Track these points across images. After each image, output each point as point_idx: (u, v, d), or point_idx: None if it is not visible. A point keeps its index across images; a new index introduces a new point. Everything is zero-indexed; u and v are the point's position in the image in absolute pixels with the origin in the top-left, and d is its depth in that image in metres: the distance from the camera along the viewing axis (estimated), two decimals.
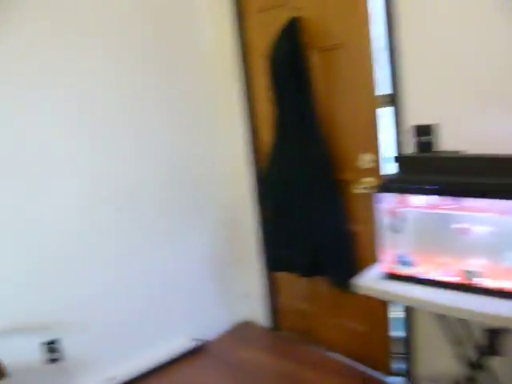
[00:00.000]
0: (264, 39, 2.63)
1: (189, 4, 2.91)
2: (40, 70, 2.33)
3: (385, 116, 2.26)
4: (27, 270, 2.36)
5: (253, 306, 3.34)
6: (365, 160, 2.35)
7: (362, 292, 1.85)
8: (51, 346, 2.44)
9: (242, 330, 3.29)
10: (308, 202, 2.50)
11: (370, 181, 2.35)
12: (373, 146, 2.32)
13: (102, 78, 2.55)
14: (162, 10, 2.78)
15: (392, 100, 2.17)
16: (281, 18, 2.46)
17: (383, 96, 2.25)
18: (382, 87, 2.23)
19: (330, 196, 2.45)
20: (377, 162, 2.33)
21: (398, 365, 2.55)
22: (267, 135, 2.79)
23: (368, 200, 2.33)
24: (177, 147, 2.91)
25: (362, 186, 2.37)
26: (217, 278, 3.20)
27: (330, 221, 2.47)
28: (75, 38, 2.43)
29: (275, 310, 3.22)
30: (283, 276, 3.03)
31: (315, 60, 2.44)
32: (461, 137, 1.96)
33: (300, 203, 2.54)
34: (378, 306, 2.50)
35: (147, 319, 2.84)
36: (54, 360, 2.45)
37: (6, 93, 2.25)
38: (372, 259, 2.11)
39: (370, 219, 2.35)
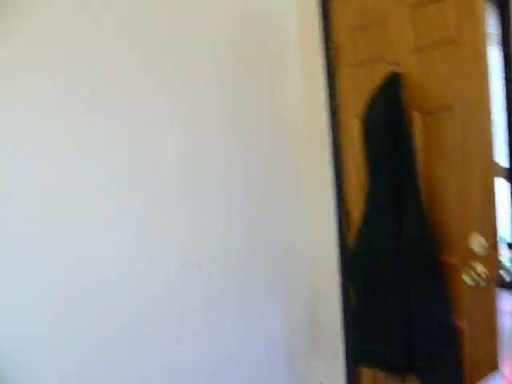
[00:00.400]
0: (358, 97, 2.38)
1: (279, 55, 2.73)
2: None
3: (502, 190, 1.89)
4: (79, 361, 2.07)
5: None
6: (476, 241, 1.94)
7: None
8: None
9: None
10: (403, 287, 2.12)
11: (482, 268, 1.92)
12: (487, 225, 1.92)
13: (173, 143, 2.37)
14: (247, 59, 2.61)
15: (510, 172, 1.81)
16: (378, 74, 2.20)
17: (500, 167, 1.89)
18: (499, 157, 1.88)
19: (431, 282, 2.05)
20: (492, 244, 1.91)
21: None
22: (357, 207, 2.48)
23: (479, 291, 1.91)
24: (256, 218, 2.66)
25: (473, 273, 1.95)
26: (289, 364, 2.83)
27: (429, 311, 2.06)
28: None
29: None
30: (368, 371, 2.60)
31: (417, 123, 2.14)
32: None
33: (393, 288, 2.16)
34: None
35: None
36: None
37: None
38: (484, 366, 1.72)
39: (481, 315, 1.92)
